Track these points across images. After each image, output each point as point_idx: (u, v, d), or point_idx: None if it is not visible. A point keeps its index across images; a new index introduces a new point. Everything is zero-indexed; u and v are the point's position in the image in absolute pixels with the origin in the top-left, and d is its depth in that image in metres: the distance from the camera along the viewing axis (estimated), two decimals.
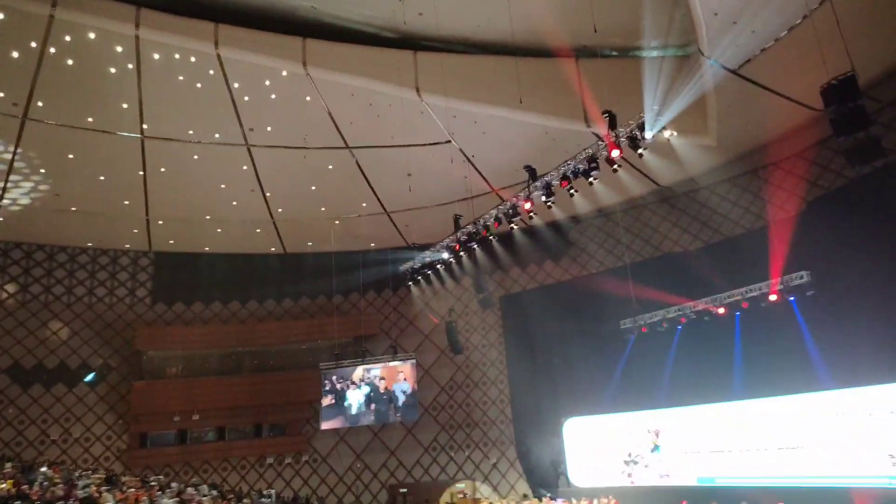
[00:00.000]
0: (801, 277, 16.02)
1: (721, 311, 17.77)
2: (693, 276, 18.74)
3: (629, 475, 20.62)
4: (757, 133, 17.83)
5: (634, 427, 20.78)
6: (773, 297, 16.60)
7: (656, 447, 20.14)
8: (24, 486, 13.37)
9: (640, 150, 14.96)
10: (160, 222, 22.37)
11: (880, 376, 14.78)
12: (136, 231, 22.76)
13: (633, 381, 20.00)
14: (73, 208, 20.97)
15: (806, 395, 16.56)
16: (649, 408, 20.11)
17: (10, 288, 22.20)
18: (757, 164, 19.29)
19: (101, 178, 19.90)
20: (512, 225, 18.39)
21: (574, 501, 19.05)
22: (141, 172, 19.85)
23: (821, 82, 12.42)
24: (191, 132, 19.03)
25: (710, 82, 15.53)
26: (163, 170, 19.98)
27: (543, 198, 16.86)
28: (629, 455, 20.75)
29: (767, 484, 16.84)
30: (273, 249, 24.84)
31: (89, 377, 22.25)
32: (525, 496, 21.70)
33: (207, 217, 22.47)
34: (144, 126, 18.42)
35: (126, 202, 21.08)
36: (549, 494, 21.02)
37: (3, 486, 12.86)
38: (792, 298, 16.30)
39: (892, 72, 15.51)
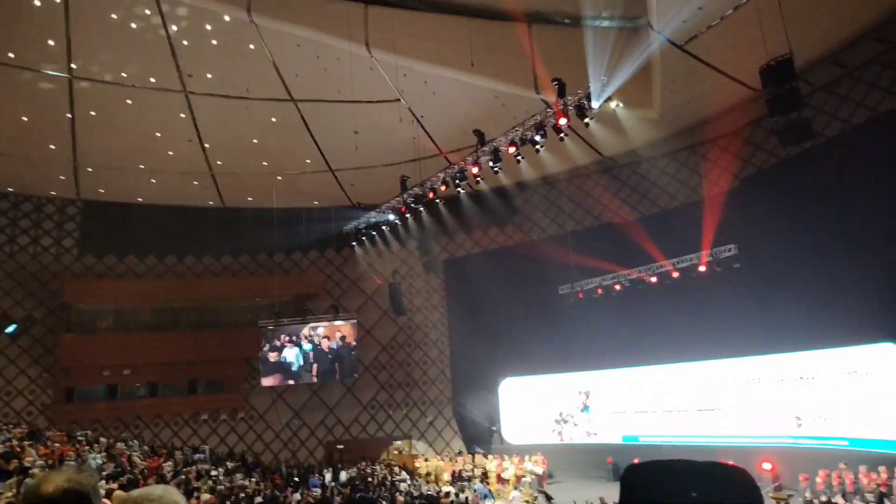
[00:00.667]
0: (730, 250, 16.89)
1: (653, 279, 18.56)
2: (629, 245, 19.46)
3: (559, 433, 21.57)
4: (697, 109, 18.37)
5: (566, 388, 21.68)
6: (702, 269, 17.45)
7: (586, 407, 21.10)
8: None
9: (586, 120, 15.20)
10: (89, 169, 21.19)
11: (792, 345, 15.91)
12: (62, 178, 21.50)
13: (568, 345, 20.77)
14: None
15: (726, 360, 17.71)
16: (582, 370, 20.99)
17: None
18: (695, 140, 19.96)
19: (25, 118, 18.60)
20: (459, 189, 18.45)
21: (506, 458, 19.78)
22: (69, 115, 18.66)
23: (760, 63, 12.89)
24: (124, 75, 17.95)
25: (656, 56, 15.83)
26: (93, 113, 18.84)
27: (491, 163, 16.95)
28: (560, 414, 21.67)
29: (687, 443, 18.00)
30: (211, 203, 24.00)
31: (10, 329, 21.17)
32: (459, 453, 22.38)
33: (141, 166, 21.44)
34: (73, 66, 17.24)
35: (52, 146, 19.83)
36: (482, 451, 21.76)
37: None
38: (719, 269, 17.18)
39: (826, 56, 16.22)
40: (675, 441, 18.34)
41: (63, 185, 21.93)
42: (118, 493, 8.66)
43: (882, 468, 12.47)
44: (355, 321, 23.38)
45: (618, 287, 19.30)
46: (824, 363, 15.59)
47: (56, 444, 14.83)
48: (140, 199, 23.26)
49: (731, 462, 0.77)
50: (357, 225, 23.09)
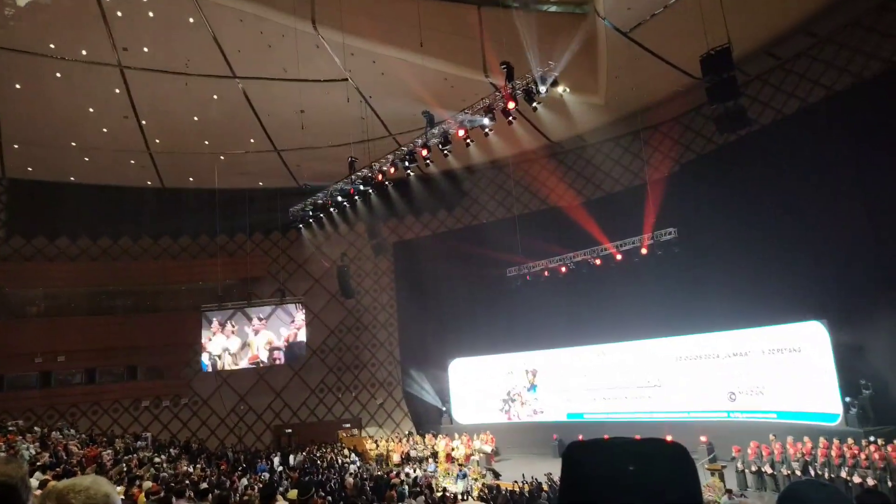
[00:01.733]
0: (670, 234, 17.50)
1: (598, 262, 19.06)
2: (575, 228, 19.96)
3: (507, 412, 22.02)
4: (641, 96, 18.84)
5: (514, 367, 22.11)
6: (643, 251, 18.03)
7: (533, 386, 21.59)
8: None
9: (534, 104, 15.32)
10: (15, 146, 19.96)
11: (727, 324, 16.72)
12: None
13: (516, 325, 21.16)
14: None
15: (665, 339, 18.44)
16: (529, 349, 21.43)
17: None
18: (639, 125, 20.49)
19: None
20: (408, 171, 18.33)
21: (457, 436, 20.05)
22: None
23: (700, 52, 13.31)
24: (52, 46, 16.90)
25: (602, 42, 16.11)
26: (18, 86, 17.71)
27: (440, 145, 16.91)
28: (508, 393, 22.10)
29: (629, 419, 18.73)
30: (149, 183, 23.04)
31: None
32: (410, 434, 22.54)
33: (73, 144, 20.34)
34: None
35: None
36: (432, 432, 21.99)
37: None
38: (659, 252, 17.80)
39: (761, 47, 16.89)
40: (618, 417, 19.06)
41: None
42: (51, 483, 8.35)
43: (807, 438, 13.33)
44: (303, 304, 23.03)
45: (563, 269, 19.73)
46: (756, 341, 16.46)
47: None
48: (72, 178, 22.11)
49: (667, 438, 0.85)
50: (304, 207, 22.65)
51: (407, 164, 17.86)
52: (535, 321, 20.58)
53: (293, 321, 22.50)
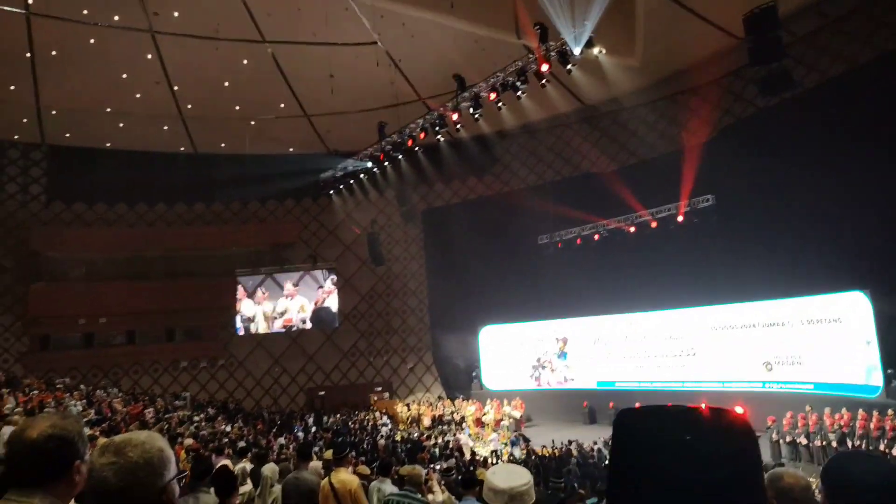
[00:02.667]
0: (707, 200, 17.06)
1: (632, 229, 18.74)
2: (609, 195, 19.49)
3: (536, 379, 22.11)
4: (679, 57, 18.19)
5: (544, 335, 22.10)
6: (680, 219, 17.65)
7: (563, 353, 21.59)
8: None
9: (569, 66, 14.93)
10: (53, 112, 20.33)
11: (764, 293, 16.35)
12: (25, 121, 20.62)
13: (547, 293, 20.99)
14: None
15: (700, 308, 18.14)
16: (559, 317, 21.36)
17: None
18: (676, 88, 19.83)
19: None
20: (438, 136, 18.17)
21: (487, 401, 20.24)
22: (28, 54, 17.74)
23: (744, 11, 12.72)
24: (85, 12, 17.00)
25: (640, 1, 15.51)
26: (54, 53, 17.93)
27: (471, 110, 16.67)
28: (538, 360, 22.15)
29: (661, 388, 18.61)
30: (183, 149, 23.31)
31: None
32: (440, 398, 22.87)
33: (108, 109, 20.62)
34: (29, 0, 16.25)
35: (12, 87, 18.92)
36: (461, 396, 22.26)
37: None
38: (696, 220, 17.38)
39: (809, 6, 16.06)
40: (650, 386, 18.95)
41: (27, 128, 21.06)
42: (102, 439, 8.68)
43: (845, 410, 13.08)
44: (334, 269, 23.28)
45: (597, 237, 19.48)
46: (795, 311, 16.09)
47: (34, 392, 14.74)
48: (108, 145, 22.49)
49: (737, 409, 0.77)
50: (334, 173, 22.72)
51: (437, 129, 17.70)
52: (566, 289, 20.44)
53: (322, 287, 22.85)
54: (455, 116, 17.06)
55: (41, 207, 22.12)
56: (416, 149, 19.79)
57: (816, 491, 2.23)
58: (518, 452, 15.02)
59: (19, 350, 20.85)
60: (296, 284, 22.94)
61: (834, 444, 12.63)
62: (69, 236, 21.97)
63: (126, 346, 22.56)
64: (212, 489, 4.68)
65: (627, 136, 21.56)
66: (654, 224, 18.23)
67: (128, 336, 22.69)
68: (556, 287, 20.66)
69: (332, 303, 22.84)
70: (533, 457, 14.47)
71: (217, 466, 5.15)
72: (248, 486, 6.06)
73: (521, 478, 1.66)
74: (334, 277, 23.12)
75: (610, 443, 0.72)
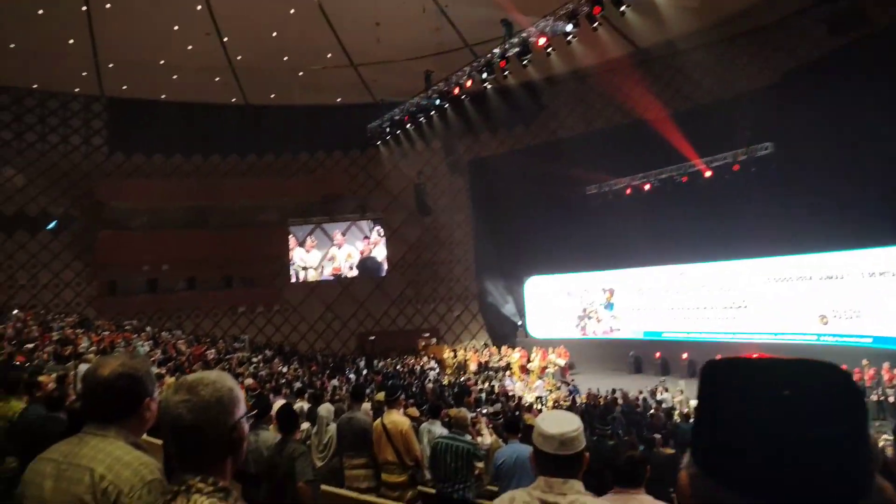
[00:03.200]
0: (766, 149, 16.32)
1: (684, 179, 18.19)
2: (661, 144, 18.81)
3: (582, 328, 22.20)
4: None
5: (591, 286, 22.03)
6: (736, 168, 16.99)
7: (610, 304, 21.53)
8: None
9: (622, 8, 14.29)
10: (110, 65, 20.88)
11: (821, 245, 15.75)
12: (84, 74, 21.28)
13: (595, 244, 20.68)
14: (12, 45, 19.29)
15: (754, 260, 17.65)
16: (607, 268, 21.18)
17: None
18: (736, 30, 18.74)
19: (40, 11, 18.13)
20: (485, 84, 17.84)
21: (534, 349, 20.48)
22: (84, 8, 18.14)
23: None
24: None
25: None
26: (108, 6, 18.26)
27: (519, 55, 16.25)
28: (583, 311, 22.19)
29: (711, 339, 18.39)
30: (234, 100, 23.68)
31: (50, 225, 21.96)
32: (485, 345, 23.29)
33: (161, 62, 21.03)
34: None
35: (71, 41, 19.47)
36: (507, 344, 22.61)
37: None
38: (753, 169, 16.71)
39: None
40: (699, 337, 18.72)
41: (86, 81, 21.76)
42: (168, 378, 9.31)
43: None
44: (382, 220, 23.61)
45: (648, 187, 19.01)
46: (853, 263, 15.50)
47: (105, 332, 15.81)
48: (163, 97, 23.04)
49: (844, 366, 0.68)
50: (381, 123, 22.69)
51: (484, 76, 17.37)
52: (615, 240, 20.14)
53: (368, 238, 23.26)
54: (503, 63, 16.67)
55: (103, 159, 23.05)
56: (463, 97, 19.49)
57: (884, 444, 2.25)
58: (578, 400, 15.24)
59: (90, 294, 22.22)
60: (344, 234, 23.44)
61: (892, 398, 12.36)
62: (130, 187, 22.90)
63: (187, 291, 23.69)
64: (271, 426, 5.04)
65: (682, 80, 20.64)
66: (708, 173, 17.63)
67: (188, 282, 23.79)
68: (603, 238, 20.37)
69: (379, 252, 23.28)
70: (579, 404, 14.72)
71: (279, 405, 5.50)
72: (305, 425, 6.40)
73: (571, 424, 1.67)
74: (380, 228, 23.48)
75: (697, 393, 0.66)
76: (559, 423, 1.68)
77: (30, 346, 11.59)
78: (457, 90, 18.71)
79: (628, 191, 19.43)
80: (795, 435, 0.63)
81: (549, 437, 1.65)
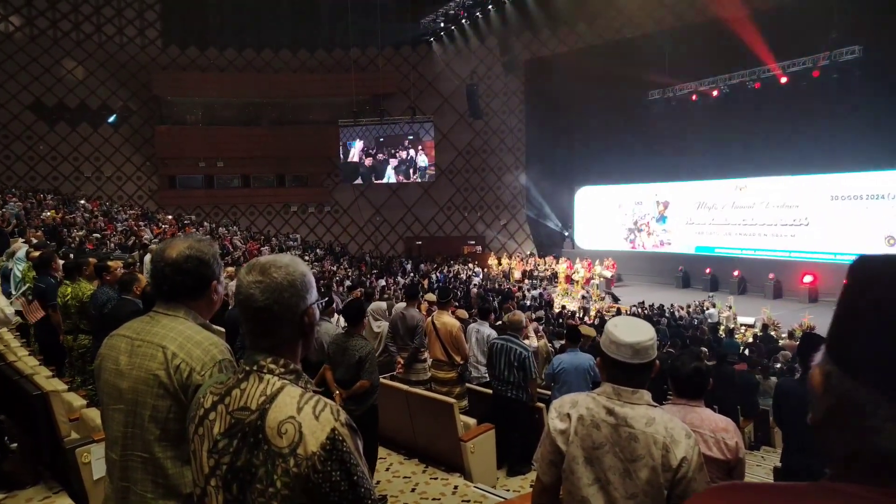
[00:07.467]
0: (853, 52, 14.84)
1: (757, 85, 16.90)
2: (735, 45, 17.26)
3: (631, 241, 21.85)
4: None
5: (644, 198, 21.41)
6: (816, 74, 15.61)
7: (663, 217, 20.98)
8: (68, 216, 14.41)
9: None
10: None
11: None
12: None
13: (652, 154, 19.87)
14: None
15: (821, 175, 16.65)
16: (663, 181, 20.43)
17: (15, 20, 21.22)
18: None
19: None
20: None
21: (580, 261, 20.36)
22: None
23: None
24: None
25: None
26: None
27: None
28: (634, 223, 21.73)
29: (765, 256, 17.83)
30: None
31: (111, 119, 22.48)
32: (531, 254, 23.30)
33: None
34: None
35: None
36: (553, 254, 22.55)
37: (49, 213, 13.84)
38: (835, 76, 15.31)
39: None
40: (753, 254, 18.20)
41: None
42: (228, 269, 9.68)
43: None
44: (432, 123, 23.10)
45: (715, 93, 17.76)
46: None
47: (166, 226, 16.48)
48: None
49: None
50: (435, 17, 21.67)
51: None
52: (673, 150, 19.28)
53: (420, 143, 22.83)
54: None
55: (158, 52, 23.02)
56: None
57: None
58: (622, 312, 15.22)
59: (150, 188, 23.03)
60: (393, 136, 23.14)
61: None
62: (185, 80, 22.97)
63: (242, 188, 24.27)
64: (332, 319, 5.23)
65: None
66: (783, 79, 16.28)
67: (243, 179, 24.32)
68: (662, 148, 19.55)
69: (427, 157, 22.96)
70: (622, 314, 14.74)
71: (349, 299, 5.68)
72: (384, 324, 6.62)
73: (645, 333, 1.59)
74: (431, 132, 23.02)
75: (843, 290, 0.55)
76: (634, 332, 1.60)
77: (97, 235, 12.21)
78: None
79: (693, 97, 18.24)
80: None
81: (622, 345, 1.58)
